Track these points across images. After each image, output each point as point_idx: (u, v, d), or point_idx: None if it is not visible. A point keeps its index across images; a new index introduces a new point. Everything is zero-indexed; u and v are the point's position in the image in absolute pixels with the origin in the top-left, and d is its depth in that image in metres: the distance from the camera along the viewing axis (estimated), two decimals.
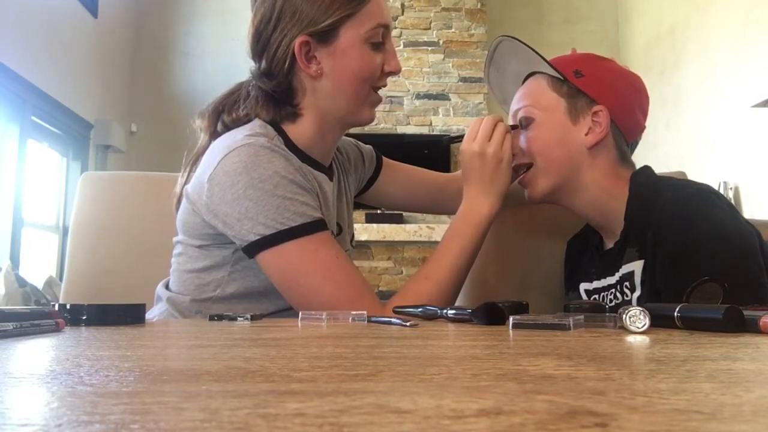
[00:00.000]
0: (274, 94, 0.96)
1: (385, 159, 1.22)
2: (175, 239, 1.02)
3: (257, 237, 0.87)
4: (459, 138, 1.02)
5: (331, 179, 1.03)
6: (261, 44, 0.95)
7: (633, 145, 1.02)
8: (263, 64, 0.95)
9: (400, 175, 1.23)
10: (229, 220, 0.88)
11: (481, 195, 0.99)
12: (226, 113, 1.00)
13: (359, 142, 1.19)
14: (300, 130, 0.97)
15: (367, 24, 0.92)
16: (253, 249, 0.88)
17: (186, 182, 0.99)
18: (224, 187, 0.87)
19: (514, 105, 1.02)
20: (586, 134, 0.95)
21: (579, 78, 0.96)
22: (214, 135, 1.00)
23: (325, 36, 0.92)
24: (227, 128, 0.98)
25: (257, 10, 0.95)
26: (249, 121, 0.97)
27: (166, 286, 1.02)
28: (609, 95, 0.96)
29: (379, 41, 0.94)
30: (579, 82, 0.96)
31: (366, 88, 0.96)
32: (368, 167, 1.19)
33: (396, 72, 0.98)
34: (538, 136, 0.97)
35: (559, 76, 0.96)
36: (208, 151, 0.95)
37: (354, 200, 1.19)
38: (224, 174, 0.88)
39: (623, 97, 0.97)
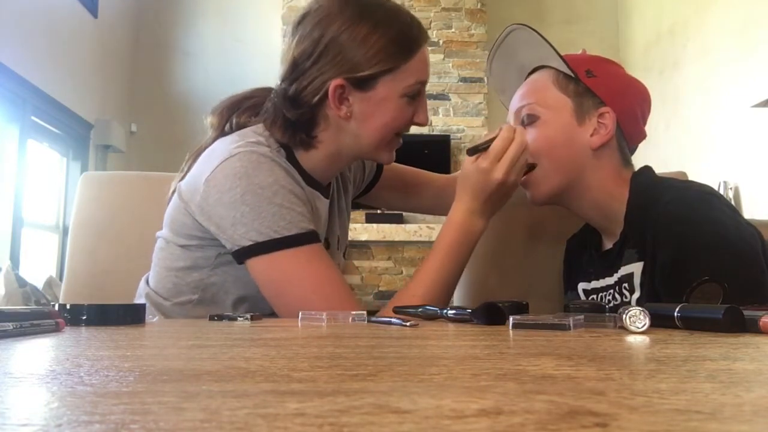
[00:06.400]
0: (294, 121, 0.94)
1: None
2: (158, 233, 1.01)
3: (250, 243, 0.87)
4: (484, 147, 0.94)
5: (326, 197, 1.02)
6: (296, 74, 0.93)
7: (631, 150, 1.01)
8: (292, 90, 0.93)
9: (400, 178, 1.23)
10: (223, 224, 0.88)
11: (479, 213, 0.96)
12: (237, 115, 1.00)
13: None
14: (310, 158, 0.97)
15: (407, 80, 0.92)
16: (244, 254, 0.88)
17: (182, 179, 0.98)
18: (222, 190, 0.87)
19: (517, 102, 0.99)
20: (592, 135, 0.94)
21: (590, 78, 0.94)
22: (222, 134, 0.99)
23: (363, 84, 0.91)
24: (234, 130, 0.98)
25: (300, 41, 0.92)
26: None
27: (147, 282, 1.02)
28: (618, 99, 0.95)
29: (414, 95, 0.94)
30: (590, 82, 0.94)
31: (391, 135, 0.96)
32: (368, 172, 1.19)
33: (423, 125, 0.98)
34: (544, 135, 0.95)
35: (571, 74, 0.95)
36: (207, 152, 0.95)
37: (353, 201, 1.19)
38: (224, 177, 0.87)
39: (630, 102, 0.97)
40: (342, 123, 0.94)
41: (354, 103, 0.92)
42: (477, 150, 0.95)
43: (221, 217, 0.87)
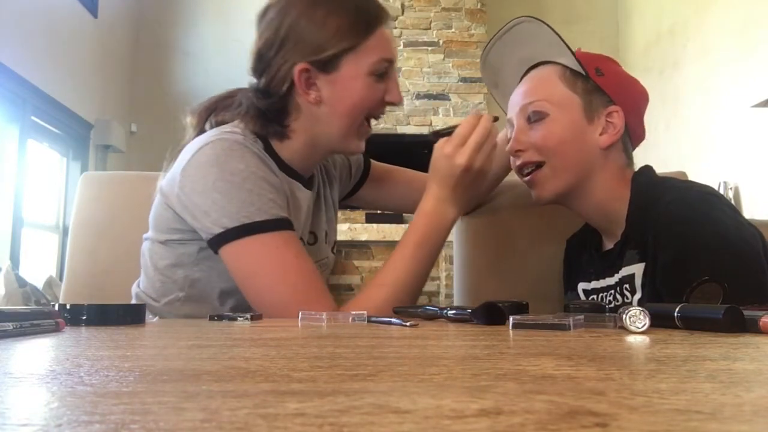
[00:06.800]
0: (266, 111, 0.95)
1: (373, 163, 1.22)
2: (144, 235, 1.02)
3: (221, 230, 0.87)
4: (446, 132, 0.95)
5: (309, 188, 1.02)
6: (262, 65, 0.95)
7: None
8: (262, 82, 0.95)
9: (387, 179, 1.22)
10: (197, 212, 0.88)
11: (449, 201, 0.95)
12: (215, 114, 1.01)
13: None
14: (286, 148, 0.97)
15: (369, 57, 0.92)
16: (216, 242, 0.88)
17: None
18: (195, 179, 0.88)
19: (522, 98, 0.96)
20: (600, 134, 0.93)
21: (600, 76, 0.94)
22: (201, 132, 1.00)
23: (326, 65, 0.92)
24: (212, 129, 0.99)
25: (262, 33, 0.95)
26: None
27: (139, 285, 1.03)
28: (625, 98, 0.94)
29: (382, 73, 0.94)
30: (600, 80, 0.93)
31: (361, 118, 0.96)
32: (355, 173, 1.19)
33: (396, 103, 0.97)
34: (554, 133, 0.93)
35: (581, 71, 0.93)
36: (186, 147, 0.96)
37: (341, 203, 1.19)
38: (198, 165, 0.88)
39: (636, 102, 0.97)
40: (313, 110, 0.94)
41: (322, 87, 0.93)
42: (439, 134, 0.95)
43: (196, 206, 0.88)
